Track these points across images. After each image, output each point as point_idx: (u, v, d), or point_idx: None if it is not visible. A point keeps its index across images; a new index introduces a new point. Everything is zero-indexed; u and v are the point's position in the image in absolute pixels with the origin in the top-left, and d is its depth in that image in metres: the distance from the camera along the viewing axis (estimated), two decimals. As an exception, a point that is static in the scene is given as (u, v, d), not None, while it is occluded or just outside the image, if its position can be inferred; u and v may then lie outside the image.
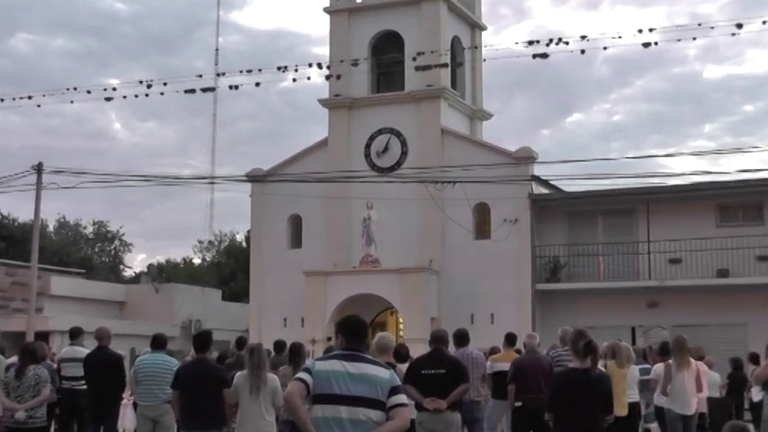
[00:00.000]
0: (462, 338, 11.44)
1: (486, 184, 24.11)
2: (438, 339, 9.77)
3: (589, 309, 25.28)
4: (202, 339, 9.35)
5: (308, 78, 19.88)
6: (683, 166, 77.94)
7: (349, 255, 27.75)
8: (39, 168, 22.89)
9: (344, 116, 28.90)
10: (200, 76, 20.26)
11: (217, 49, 54.10)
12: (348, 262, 27.64)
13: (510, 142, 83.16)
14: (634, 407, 11.51)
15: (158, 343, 10.77)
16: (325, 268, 27.20)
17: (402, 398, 5.44)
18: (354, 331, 5.62)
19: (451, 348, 11.01)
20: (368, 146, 28.43)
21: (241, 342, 14.15)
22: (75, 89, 19.69)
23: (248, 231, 42.75)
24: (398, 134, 28.18)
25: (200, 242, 52.66)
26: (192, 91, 19.44)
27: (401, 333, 26.19)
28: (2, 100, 20.36)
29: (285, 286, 28.22)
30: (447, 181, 24.30)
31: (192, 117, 77.94)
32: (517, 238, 26.08)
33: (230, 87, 19.52)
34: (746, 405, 15.32)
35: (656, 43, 17.65)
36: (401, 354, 11.13)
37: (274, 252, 29.11)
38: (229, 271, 46.02)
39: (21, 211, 56.86)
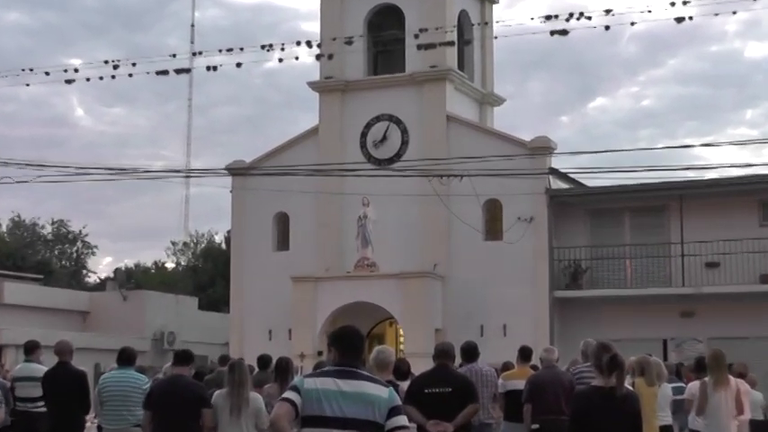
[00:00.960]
0: (471, 353, 11.44)
1: (498, 178, 24.11)
2: (443, 354, 9.76)
3: (614, 319, 25.32)
4: (184, 356, 9.35)
5: (296, 58, 19.85)
6: (721, 157, 78.32)
7: (342, 258, 27.77)
8: (-10, 160, 22.81)
9: (337, 101, 28.89)
10: (174, 55, 20.26)
11: (192, 25, 54.23)
12: (341, 266, 27.66)
13: (525, 131, 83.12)
14: (666, 430, 11.51)
15: (126, 358, 10.75)
16: (316, 273, 27.21)
17: (402, 420, 5.44)
18: (349, 344, 5.62)
19: (459, 363, 11.01)
20: (364, 135, 28.43)
21: (224, 360, 14.15)
22: (31, 70, 19.68)
23: (228, 231, 42.82)
24: (398, 121, 28.19)
25: (173, 244, 52.79)
26: (165, 72, 19.43)
27: (401, 347, 26.22)
28: (-52, 82, 20.34)
29: (270, 294, 28.24)
30: (453, 174, 24.29)
31: (164, 102, 78.07)
32: (532, 238, 26.11)
33: (208, 68, 19.51)
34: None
35: (690, 18, 17.52)
36: (401, 370, 11.13)
37: (258, 255, 29.12)
38: (207, 276, 46.07)
39: (-31, 210, 56.98)
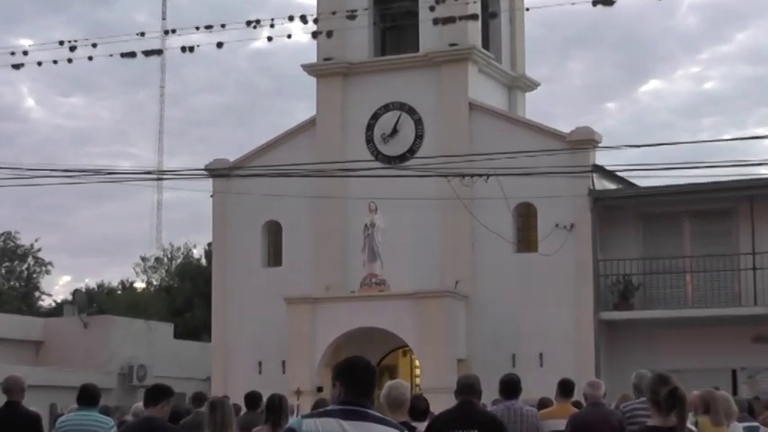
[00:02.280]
0: (512, 387, 11.32)
1: (532, 178, 24.10)
2: (467, 389, 9.74)
3: (673, 345, 25.24)
4: (157, 391, 9.36)
5: (289, 37, 19.87)
6: (800, 150, 78.08)
7: (346, 275, 27.80)
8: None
9: (338, 87, 28.94)
10: (143, 34, 20.32)
11: (164, -2, 54.48)
12: (345, 285, 27.69)
13: (563, 121, 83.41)
14: (736, 478, 11.45)
15: (88, 397, 10.76)
16: (314, 293, 27.23)
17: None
18: (358, 379, 5.63)
19: (492, 401, 10.95)
20: (370, 127, 28.48)
21: (199, 399, 14.14)
22: (-30, 53, 19.75)
23: (209, 244, 42.84)
24: (411, 111, 28.22)
25: (143, 260, 52.87)
26: (132, 54, 19.48)
27: (417, 381, 26.23)
28: None
29: (260, 318, 28.28)
30: (478, 174, 24.26)
31: (131, 90, 78.37)
32: (573, 249, 26.10)
33: (183, 49, 19.55)
34: None
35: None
36: (418, 409, 11.09)
37: (244, 272, 29.18)
38: (184, 298, 46.11)
39: None
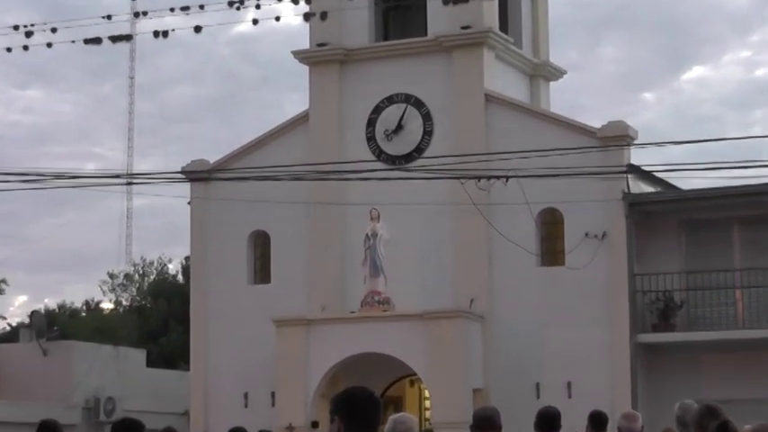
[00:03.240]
0: (551, 422, 11.33)
1: (558, 180, 24.11)
2: (485, 423, 9.71)
3: (721, 372, 25.22)
4: (127, 427, 9.36)
5: (277, 19, 19.87)
6: None
7: (344, 293, 27.83)
8: None
9: (334, 77, 28.97)
10: (109, 17, 20.33)
11: (134, -25, 54.41)
12: (343, 304, 27.72)
13: (594, 114, 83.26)
14: None
15: (49, 434, 10.77)
16: (308, 314, 27.23)
17: None
18: (359, 412, 5.64)
19: None
20: (371, 123, 28.51)
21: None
22: None
23: (187, 258, 42.81)
24: (418, 104, 28.25)
25: (111, 276, 52.71)
26: (98, 41, 19.49)
27: (427, 414, 26.24)
28: None
29: (245, 343, 28.30)
30: (496, 176, 24.20)
31: (97, 81, 78.36)
32: (606, 262, 26.10)
33: (156, 34, 19.55)
34: None
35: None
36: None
37: (228, 290, 29.18)
38: (158, 320, 46.09)
39: None
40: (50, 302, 64.94)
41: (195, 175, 29.04)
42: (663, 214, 27.00)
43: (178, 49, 76.97)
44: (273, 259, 29.14)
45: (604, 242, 26.25)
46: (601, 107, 78.13)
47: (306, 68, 29.46)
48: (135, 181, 31.30)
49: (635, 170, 26.63)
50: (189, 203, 30.06)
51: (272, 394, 27.07)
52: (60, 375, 33.33)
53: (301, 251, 28.59)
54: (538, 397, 25.26)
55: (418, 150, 27.95)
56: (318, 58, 29.12)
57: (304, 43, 29.53)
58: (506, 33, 29.35)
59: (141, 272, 51.99)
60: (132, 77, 58.79)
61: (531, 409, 11.98)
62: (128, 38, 21.20)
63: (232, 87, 77.88)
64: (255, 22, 20.49)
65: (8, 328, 49.80)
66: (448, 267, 27.33)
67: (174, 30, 19.46)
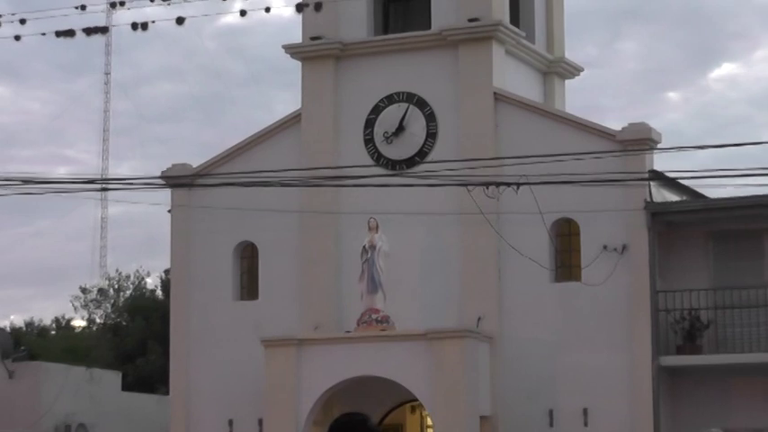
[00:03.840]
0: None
1: (573, 188, 23.94)
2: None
3: (751, 398, 25.18)
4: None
5: (267, 10, 19.86)
6: None
7: (339, 310, 27.83)
8: None
9: (329, 74, 28.93)
10: (83, 7, 20.30)
11: (110, -38, 54.46)
12: (338, 323, 27.69)
13: (613, 115, 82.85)
14: None
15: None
16: (300, 333, 27.18)
17: None
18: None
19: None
20: (370, 124, 28.47)
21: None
22: None
23: (167, 272, 42.70)
24: (421, 103, 28.20)
25: (84, 291, 52.70)
26: (71, 33, 19.45)
27: (430, 444, 26.19)
28: None
29: (230, 365, 28.31)
30: (506, 183, 24.11)
31: (69, 78, 78.39)
32: (626, 277, 26.04)
33: (134, 27, 19.53)
34: None
35: None
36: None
37: (212, 307, 29.15)
38: (135, 340, 46.01)
39: None
40: (17, 320, 64.74)
41: (177, 180, 29.04)
42: (689, 225, 26.93)
43: (158, 43, 76.90)
44: (262, 273, 29.09)
45: (624, 256, 26.18)
46: (621, 108, 77.98)
47: (298, 64, 29.42)
48: (110, 187, 31.12)
49: (658, 177, 26.52)
50: (169, 212, 30.01)
51: (260, 421, 27.07)
52: (28, 400, 33.28)
53: (292, 264, 28.55)
54: (551, 425, 25.22)
55: (421, 154, 27.91)
56: (312, 52, 29.08)
57: (296, 37, 29.51)
58: (518, 27, 29.28)
59: (117, 287, 51.95)
60: (108, 73, 59.07)
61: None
62: (103, 30, 21.18)
63: (217, 85, 77.98)
64: (243, 13, 20.52)
65: (-29, 347, 49.78)
66: (453, 283, 27.29)
67: (153, 21, 19.49)
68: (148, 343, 44.20)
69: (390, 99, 28.44)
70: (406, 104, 28.30)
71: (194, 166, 29.65)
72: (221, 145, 31.65)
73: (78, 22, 20.10)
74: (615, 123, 27.12)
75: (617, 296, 26.04)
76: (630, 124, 26.81)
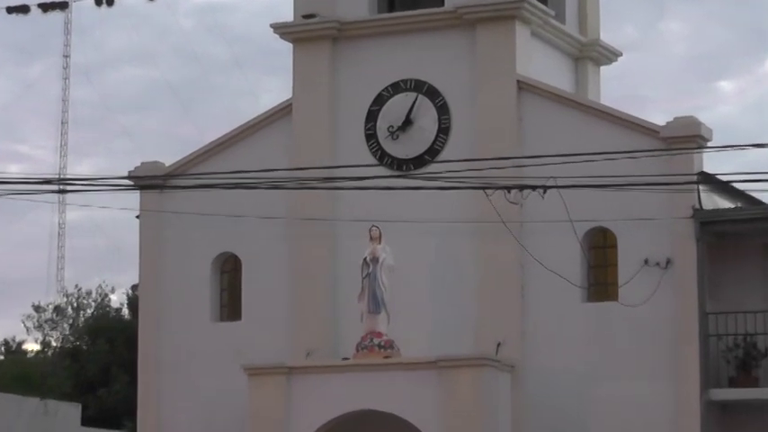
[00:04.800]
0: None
1: (609, 193, 23.98)
2: None
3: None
4: None
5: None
6: None
7: (335, 334, 27.88)
8: None
9: (325, 58, 28.95)
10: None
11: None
12: (334, 348, 27.75)
13: (656, 108, 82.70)
14: None
15: None
16: (289, 360, 27.17)
17: None
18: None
19: None
20: (372, 116, 28.48)
21: None
22: None
23: (134, 288, 42.61)
24: (432, 92, 28.20)
25: (37, 309, 52.69)
26: (25, 9, 19.31)
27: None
28: None
29: (209, 397, 28.35)
30: (531, 186, 24.01)
31: (22, 61, 78.35)
32: (671, 298, 26.01)
33: (98, 2, 19.38)
34: None
35: None
36: None
37: (187, 329, 29.19)
38: (97, 367, 45.96)
39: None
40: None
41: (147, 181, 29.08)
42: (743, 236, 26.91)
43: (126, 22, 77.09)
44: (245, 290, 29.17)
45: (669, 272, 26.15)
46: (665, 99, 78.11)
47: (289, 46, 29.46)
48: (69, 188, 31.08)
49: (708, 180, 26.51)
50: (138, 217, 30.05)
51: (243, 462, 26.98)
52: (-27, 436, 33.27)
53: (281, 280, 28.63)
54: (583, 468, 25.24)
55: (431, 152, 27.93)
56: (305, 33, 29.13)
57: (287, 15, 29.58)
58: (545, 4, 29.34)
59: (76, 304, 51.98)
60: (67, 56, 58.71)
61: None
62: (62, 6, 21.08)
63: (195, 70, 78.03)
64: (226, -14, 20.30)
65: None
66: (468, 303, 27.29)
67: (121, -5, 19.34)
68: (112, 370, 44.18)
69: (396, 88, 28.48)
70: (414, 94, 28.33)
71: (167, 165, 29.74)
72: (199, 140, 31.59)
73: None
74: (659, 117, 27.17)
75: (660, 319, 26.01)
76: (676, 119, 26.74)
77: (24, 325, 52.91)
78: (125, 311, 48.89)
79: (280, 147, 28.59)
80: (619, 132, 26.67)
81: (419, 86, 28.32)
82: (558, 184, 23.31)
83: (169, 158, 29.92)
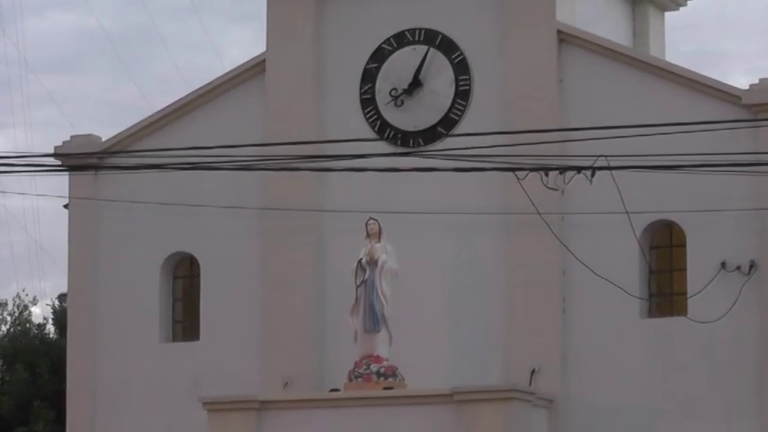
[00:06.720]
0: None
1: (675, 176, 23.98)
2: None
3: None
4: None
5: None
6: None
7: (321, 358, 28.11)
8: None
9: (309, 3, 29.15)
10: None
11: None
12: (319, 376, 27.97)
13: (736, 68, 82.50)
14: None
15: None
16: (261, 393, 27.36)
17: None
18: None
19: None
20: (369, 77, 28.69)
21: None
22: None
23: (62, 297, 42.72)
24: (448, 45, 28.39)
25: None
26: None
27: None
28: None
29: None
30: (575, 168, 24.19)
31: None
32: (756, 311, 26.14)
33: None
34: None
35: None
36: None
37: (130, 350, 29.41)
38: (15, 400, 46.15)
39: None
40: None
41: (78, 160, 29.03)
42: None
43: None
44: (205, 301, 29.40)
45: (753, 278, 26.30)
46: (749, 56, 78.05)
47: (263, -6, 29.66)
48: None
49: (804, 159, 26.66)
50: (66, 207, 30.25)
51: None
52: None
53: (251, 288, 28.83)
54: None
55: (446, 123, 28.12)
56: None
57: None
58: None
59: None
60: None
61: None
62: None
63: (140, 18, 78.11)
64: None
65: None
66: (495, 319, 27.48)
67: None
68: (34, 405, 44.32)
69: (400, 39, 28.68)
70: (424, 47, 28.54)
71: (104, 140, 29.91)
72: (145, 107, 31.76)
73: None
74: (740, 79, 27.23)
75: (741, 338, 26.16)
76: (762, 80, 26.83)
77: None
78: (50, 329, 48.98)
79: (250, 116, 28.79)
80: (689, 98, 26.77)
81: (430, 38, 28.49)
82: (611, 165, 23.52)
83: (106, 131, 30.13)
